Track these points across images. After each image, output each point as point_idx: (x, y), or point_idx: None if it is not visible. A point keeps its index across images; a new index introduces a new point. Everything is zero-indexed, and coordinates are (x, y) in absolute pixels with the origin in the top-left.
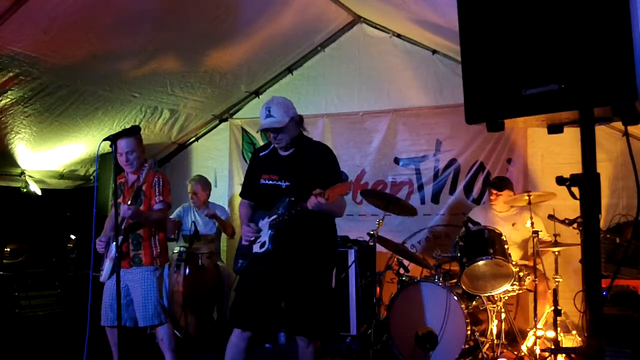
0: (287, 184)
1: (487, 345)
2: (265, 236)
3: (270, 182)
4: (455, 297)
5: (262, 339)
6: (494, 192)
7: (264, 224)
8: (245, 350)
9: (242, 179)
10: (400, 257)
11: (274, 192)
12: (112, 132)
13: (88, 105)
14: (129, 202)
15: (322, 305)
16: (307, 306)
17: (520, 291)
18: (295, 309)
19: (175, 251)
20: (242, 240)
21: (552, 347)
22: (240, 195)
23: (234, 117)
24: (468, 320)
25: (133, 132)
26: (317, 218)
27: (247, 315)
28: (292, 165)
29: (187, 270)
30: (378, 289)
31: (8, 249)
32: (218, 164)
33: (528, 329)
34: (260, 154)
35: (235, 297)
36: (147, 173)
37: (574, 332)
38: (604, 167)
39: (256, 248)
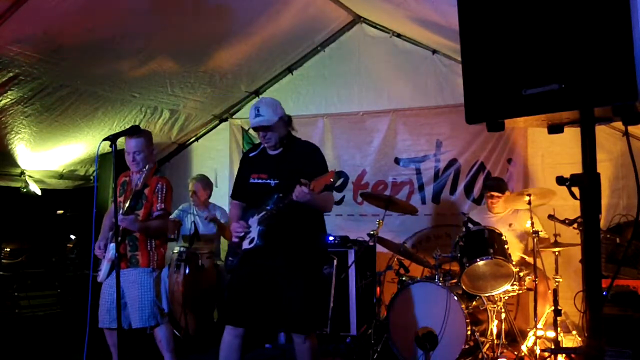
0: (276, 182)
1: (487, 345)
2: (254, 232)
3: (260, 180)
4: (455, 297)
5: (262, 339)
6: (496, 195)
7: (254, 220)
8: (240, 348)
9: None
10: (401, 257)
11: (263, 190)
12: (112, 132)
13: (88, 106)
14: (127, 205)
15: (314, 300)
16: (299, 302)
17: (520, 291)
18: (288, 306)
19: (175, 251)
20: (232, 238)
21: (552, 347)
22: (231, 196)
23: (234, 117)
24: (468, 320)
25: (135, 132)
26: (306, 214)
27: (239, 311)
28: (280, 164)
29: (187, 270)
30: (378, 289)
31: (8, 249)
32: (218, 164)
33: (528, 329)
34: (250, 155)
35: (227, 295)
36: (146, 177)
37: (574, 332)
38: (604, 167)
39: (245, 244)
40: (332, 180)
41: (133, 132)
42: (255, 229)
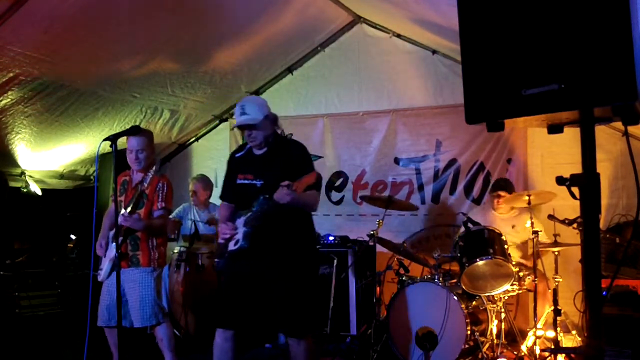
0: (261, 182)
1: (487, 345)
2: (240, 234)
3: (246, 181)
4: (455, 297)
5: (262, 339)
6: (503, 194)
7: (240, 222)
8: (232, 350)
9: None
10: (401, 257)
11: (250, 191)
12: (113, 133)
13: (88, 106)
14: (130, 205)
15: (306, 302)
16: (290, 306)
17: (520, 291)
18: (280, 311)
19: (175, 251)
20: (219, 239)
21: (552, 347)
22: (220, 197)
23: (234, 117)
24: (468, 320)
25: (135, 131)
26: (293, 214)
27: (227, 314)
28: (266, 164)
29: (187, 270)
30: (378, 289)
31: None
32: (218, 164)
33: (528, 329)
34: (236, 155)
35: (217, 297)
36: (152, 178)
37: (573, 332)
38: (604, 167)
39: (231, 246)
40: (314, 181)
41: (133, 132)
42: (241, 230)
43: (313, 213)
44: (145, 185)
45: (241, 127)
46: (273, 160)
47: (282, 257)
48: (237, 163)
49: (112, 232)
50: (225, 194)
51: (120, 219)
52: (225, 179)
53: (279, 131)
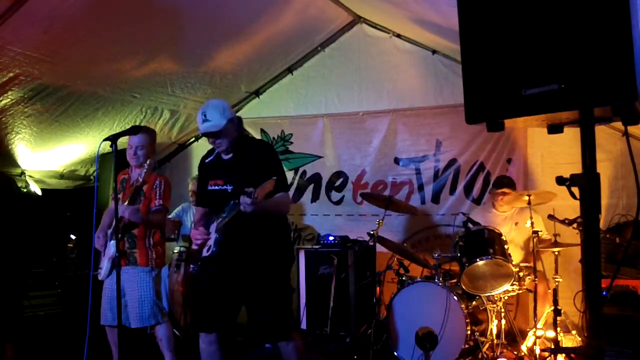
0: (231, 187)
1: (487, 345)
2: (212, 240)
3: (217, 187)
4: (455, 297)
5: (262, 339)
6: (508, 191)
7: (212, 227)
8: (217, 353)
9: None
10: (401, 257)
11: (221, 196)
12: (112, 133)
13: (88, 106)
14: (127, 201)
15: (283, 305)
16: (268, 313)
17: (520, 291)
18: (258, 319)
19: (175, 251)
20: (192, 245)
21: (552, 347)
22: (195, 203)
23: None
24: (468, 320)
25: (135, 132)
26: (263, 218)
27: (207, 317)
28: (234, 168)
29: (187, 270)
30: (378, 289)
31: None
32: None
33: (528, 329)
34: (206, 161)
35: (196, 303)
36: (147, 173)
37: (574, 332)
38: (604, 167)
39: (204, 252)
40: (272, 189)
41: (133, 132)
42: (213, 236)
43: (312, 213)
44: (141, 179)
45: (205, 135)
46: (241, 164)
47: (252, 263)
48: (207, 169)
49: (110, 230)
50: (200, 199)
51: (120, 208)
52: (198, 185)
53: (244, 132)
